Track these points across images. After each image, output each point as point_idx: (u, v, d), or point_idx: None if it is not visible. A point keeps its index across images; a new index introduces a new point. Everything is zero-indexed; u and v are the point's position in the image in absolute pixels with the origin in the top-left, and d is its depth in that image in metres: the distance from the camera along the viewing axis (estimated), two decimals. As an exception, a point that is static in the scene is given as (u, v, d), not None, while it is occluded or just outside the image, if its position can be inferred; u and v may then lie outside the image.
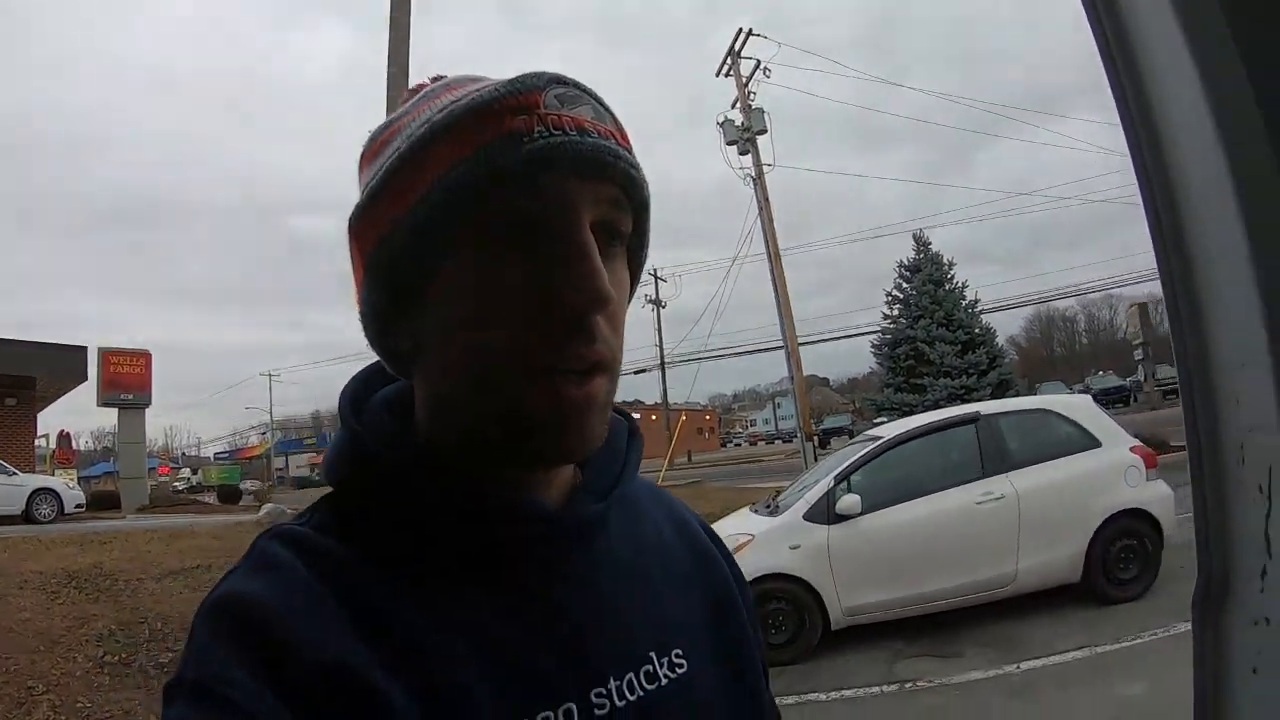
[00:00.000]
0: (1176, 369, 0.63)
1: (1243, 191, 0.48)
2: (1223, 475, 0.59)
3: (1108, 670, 5.34)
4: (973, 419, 7.27)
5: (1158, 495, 6.86)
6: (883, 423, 12.20)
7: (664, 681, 0.66)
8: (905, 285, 24.93)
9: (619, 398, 0.69)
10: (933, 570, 6.58)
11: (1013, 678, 5.55)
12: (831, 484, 6.89)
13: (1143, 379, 35.27)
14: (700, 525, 0.86)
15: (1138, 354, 34.10)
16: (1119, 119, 0.53)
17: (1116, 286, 40.44)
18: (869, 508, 6.71)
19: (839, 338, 33.72)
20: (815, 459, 15.81)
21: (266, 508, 18.01)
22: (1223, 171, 0.48)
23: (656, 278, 43.14)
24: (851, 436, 22.98)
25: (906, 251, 25.47)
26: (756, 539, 6.75)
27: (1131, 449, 7.04)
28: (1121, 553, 6.69)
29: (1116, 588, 6.64)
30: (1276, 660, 0.52)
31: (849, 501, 6.69)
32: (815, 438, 20.35)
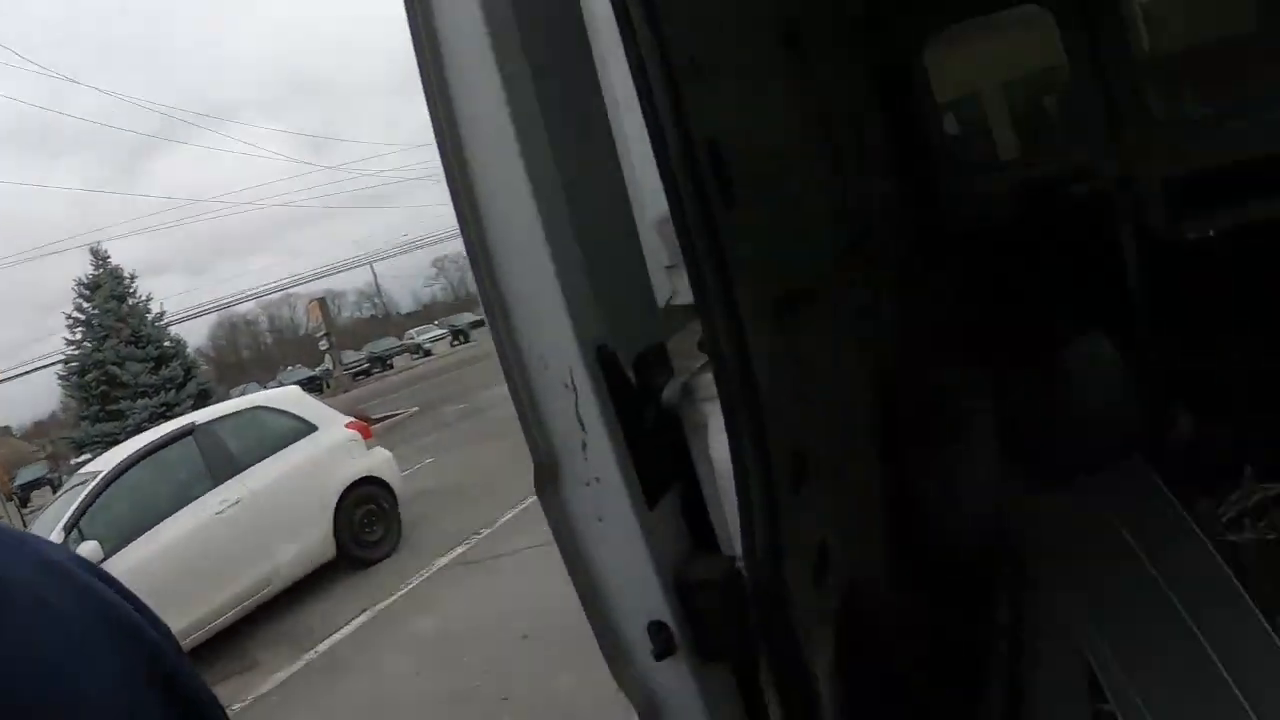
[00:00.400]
0: (485, 316, 0.83)
1: (537, 195, 0.68)
2: (533, 382, 0.81)
3: (395, 619, 5.97)
4: (188, 431, 7.20)
5: (381, 460, 7.79)
6: (88, 459, 10.96)
7: None
8: (86, 305, 23.19)
9: None
10: (196, 592, 6.38)
11: (316, 662, 5.80)
12: (63, 537, 6.21)
13: (331, 366, 38.08)
14: (95, 574, 0.57)
15: (323, 344, 36.37)
16: (434, 139, 0.67)
17: (294, 285, 42.88)
18: (111, 550, 6.23)
19: (13, 376, 28.36)
20: (24, 521, 14.41)
21: None
22: (521, 179, 0.67)
23: None
24: (55, 487, 20.91)
25: (85, 269, 23.70)
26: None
27: (347, 425, 7.80)
28: (364, 518, 7.44)
29: (370, 550, 7.39)
30: (612, 506, 0.77)
31: (88, 549, 6.08)
32: (15, 497, 18.29)
